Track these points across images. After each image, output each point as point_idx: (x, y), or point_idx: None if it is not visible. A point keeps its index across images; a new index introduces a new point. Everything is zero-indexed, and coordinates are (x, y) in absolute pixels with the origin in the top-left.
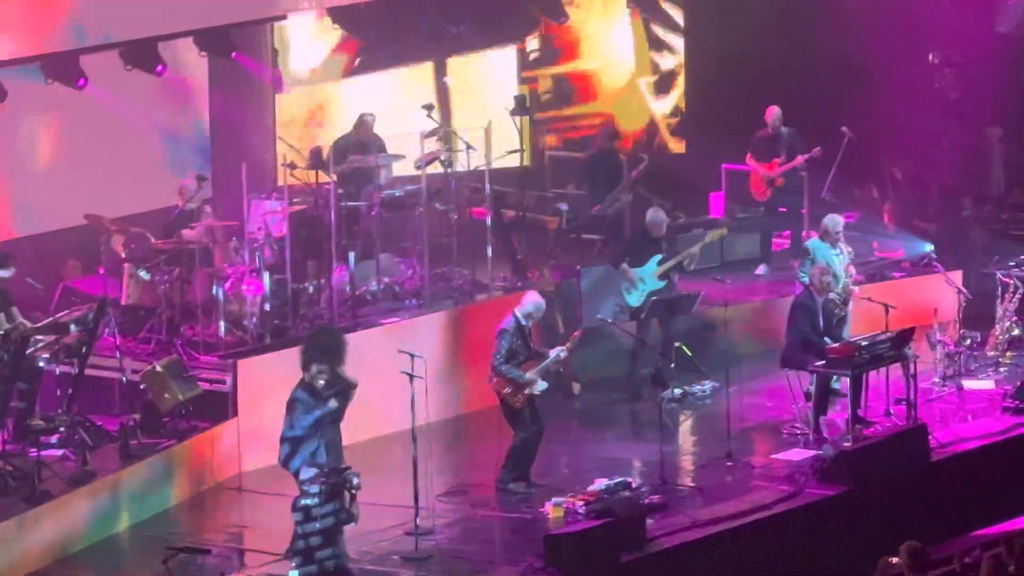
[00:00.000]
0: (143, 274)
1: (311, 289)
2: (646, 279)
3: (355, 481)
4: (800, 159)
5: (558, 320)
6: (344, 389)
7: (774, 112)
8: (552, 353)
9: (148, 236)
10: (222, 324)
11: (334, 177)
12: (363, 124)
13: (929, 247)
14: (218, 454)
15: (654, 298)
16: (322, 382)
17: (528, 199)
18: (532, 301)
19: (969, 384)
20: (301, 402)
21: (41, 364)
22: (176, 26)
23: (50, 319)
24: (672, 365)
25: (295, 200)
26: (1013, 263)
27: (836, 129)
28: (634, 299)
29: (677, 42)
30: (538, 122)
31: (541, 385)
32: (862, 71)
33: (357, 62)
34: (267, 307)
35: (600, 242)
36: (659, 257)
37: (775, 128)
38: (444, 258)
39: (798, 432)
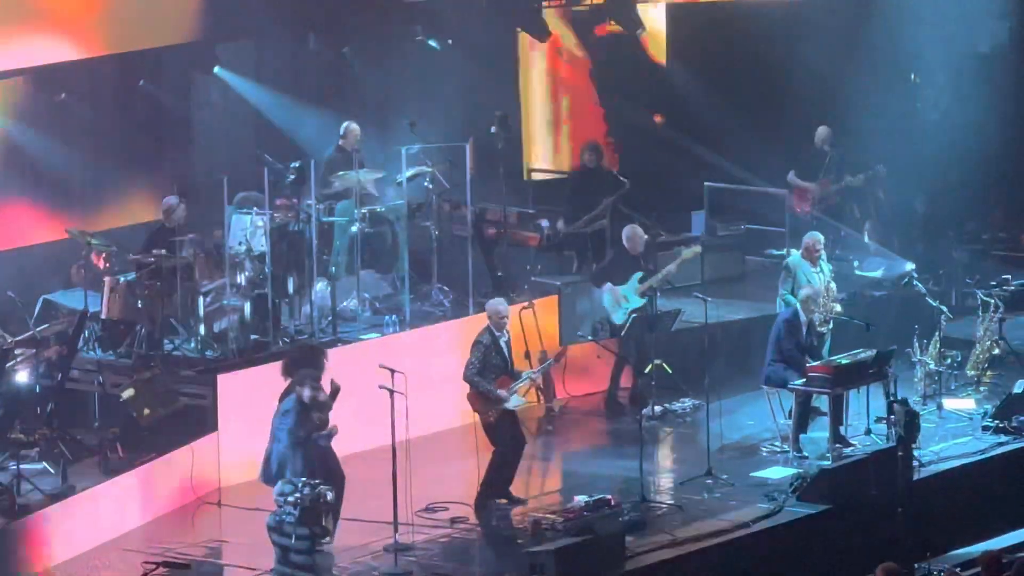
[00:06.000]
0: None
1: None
2: (629, 297)
3: (329, 496)
4: (852, 179)
5: (539, 336)
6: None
7: (822, 131)
8: (525, 374)
9: (128, 251)
10: (202, 339)
11: (315, 193)
12: (350, 134)
13: (910, 266)
14: (198, 468)
15: (635, 315)
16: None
17: (510, 216)
18: (491, 307)
19: (950, 403)
20: (294, 412)
21: (21, 378)
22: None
23: (30, 333)
24: (652, 383)
25: (276, 215)
26: (994, 282)
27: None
28: (619, 317)
29: None
30: None
31: (516, 401)
32: (844, 90)
33: None
34: (247, 322)
35: (579, 259)
36: (640, 275)
37: (822, 145)
38: (425, 275)
39: (778, 450)
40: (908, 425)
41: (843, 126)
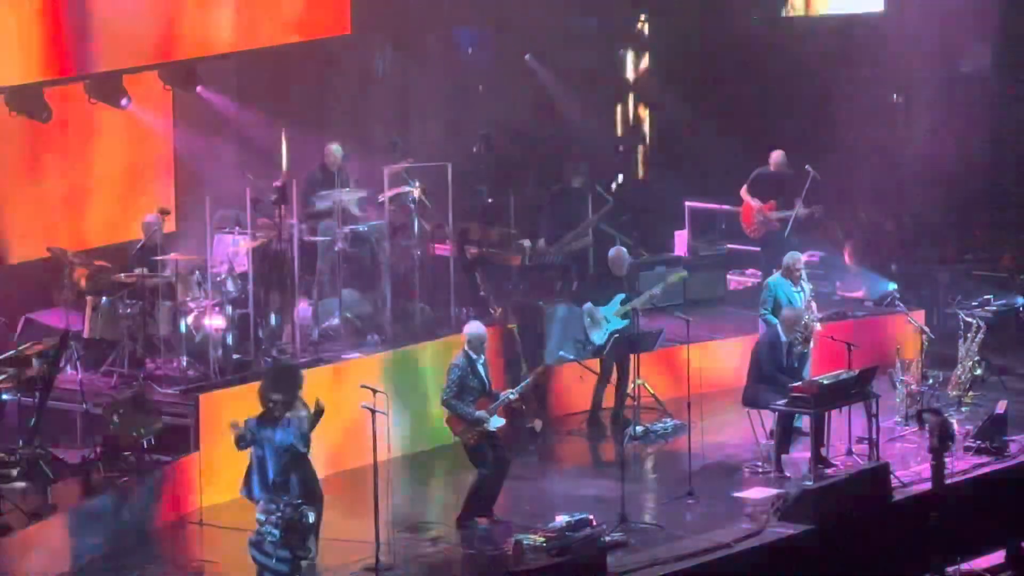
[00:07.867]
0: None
1: (273, 323)
2: (610, 318)
3: (311, 517)
4: (800, 210)
5: (521, 357)
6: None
7: (777, 156)
8: (503, 395)
9: (110, 269)
10: (184, 358)
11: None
12: (330, 154)
13: (892, 286)
14: (179, 488)
15: (616, 335)
16: (277, 414)
17: (491, 235)
18: (469, 329)
19: None
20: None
21: (3, 397)
22: (141, 60)
23: (12, 352)
24: (634, 402)
25: (258, 235)
26: (976, 303)
27: (801, 167)
28: (599, 337)
29: None
30: None
31: (496, 422)
32: (827, 111)
33: None
34: (229, 341)
35: (561, 278)
36: (622, 296)
37: (778, 168)
38: (407, 294)
39: (760, 470)
40: (941, 435)
41: (826, 146)
